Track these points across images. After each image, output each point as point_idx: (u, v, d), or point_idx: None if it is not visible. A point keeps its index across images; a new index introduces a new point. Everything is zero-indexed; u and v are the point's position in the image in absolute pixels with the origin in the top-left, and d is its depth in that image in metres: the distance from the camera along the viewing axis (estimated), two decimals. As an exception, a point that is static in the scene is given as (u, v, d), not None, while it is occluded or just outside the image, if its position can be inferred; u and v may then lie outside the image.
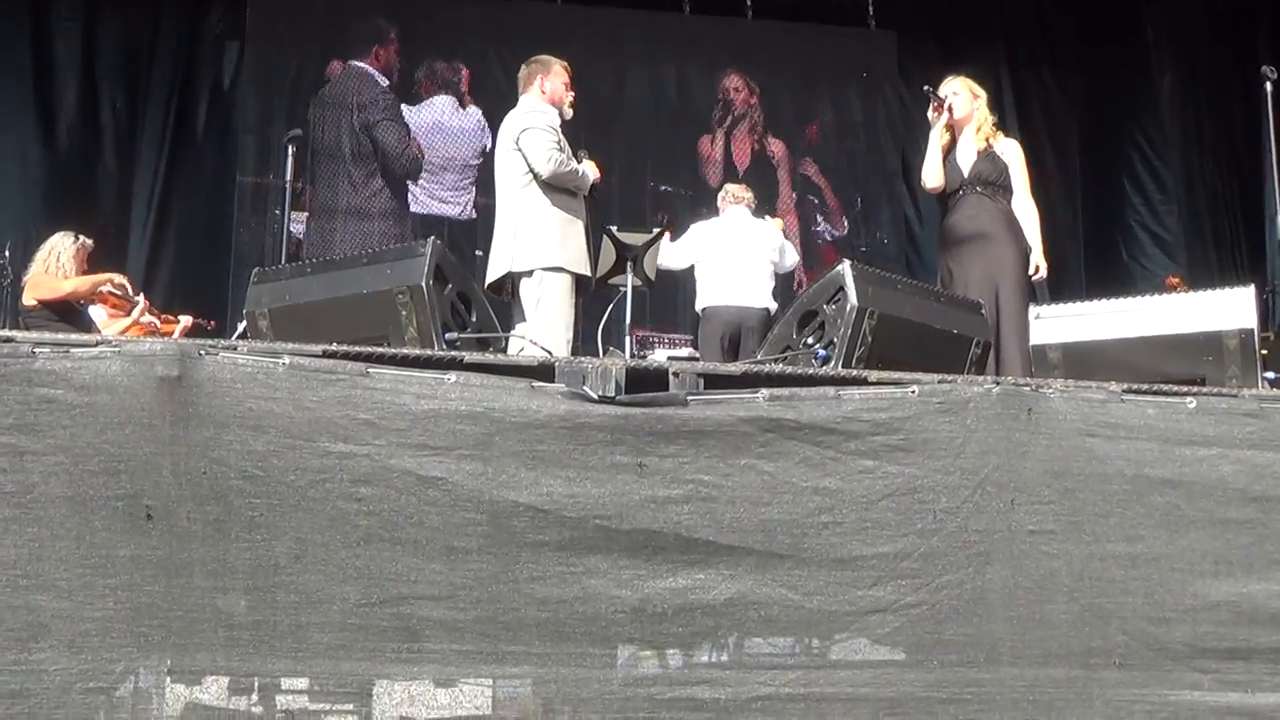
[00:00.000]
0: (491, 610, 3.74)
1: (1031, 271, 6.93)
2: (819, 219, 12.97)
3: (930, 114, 7.35)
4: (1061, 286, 12.77)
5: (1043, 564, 3.91)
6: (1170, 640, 3.94)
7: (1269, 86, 7.20)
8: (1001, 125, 7.76)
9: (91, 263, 8.65)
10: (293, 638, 3.67)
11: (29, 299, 8.21)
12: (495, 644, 3.74)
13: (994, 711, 3.84)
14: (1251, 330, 5.78)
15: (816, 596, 3.83)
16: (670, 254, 8.93)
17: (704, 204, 11.46)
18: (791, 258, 9.47)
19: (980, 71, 12.44)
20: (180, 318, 8.67)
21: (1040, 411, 4.04)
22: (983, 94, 7.33)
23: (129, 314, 8.44)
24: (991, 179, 7.04)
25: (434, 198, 11.41)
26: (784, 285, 10.11)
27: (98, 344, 3.71)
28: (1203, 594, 3.97)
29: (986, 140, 7.15)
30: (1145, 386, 4.19)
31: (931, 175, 7.20)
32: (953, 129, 7.22)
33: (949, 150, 7.20)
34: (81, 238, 8.51)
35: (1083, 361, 5.89)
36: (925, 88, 7.97)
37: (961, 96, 7.25)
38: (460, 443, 3.76)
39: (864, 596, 3.84)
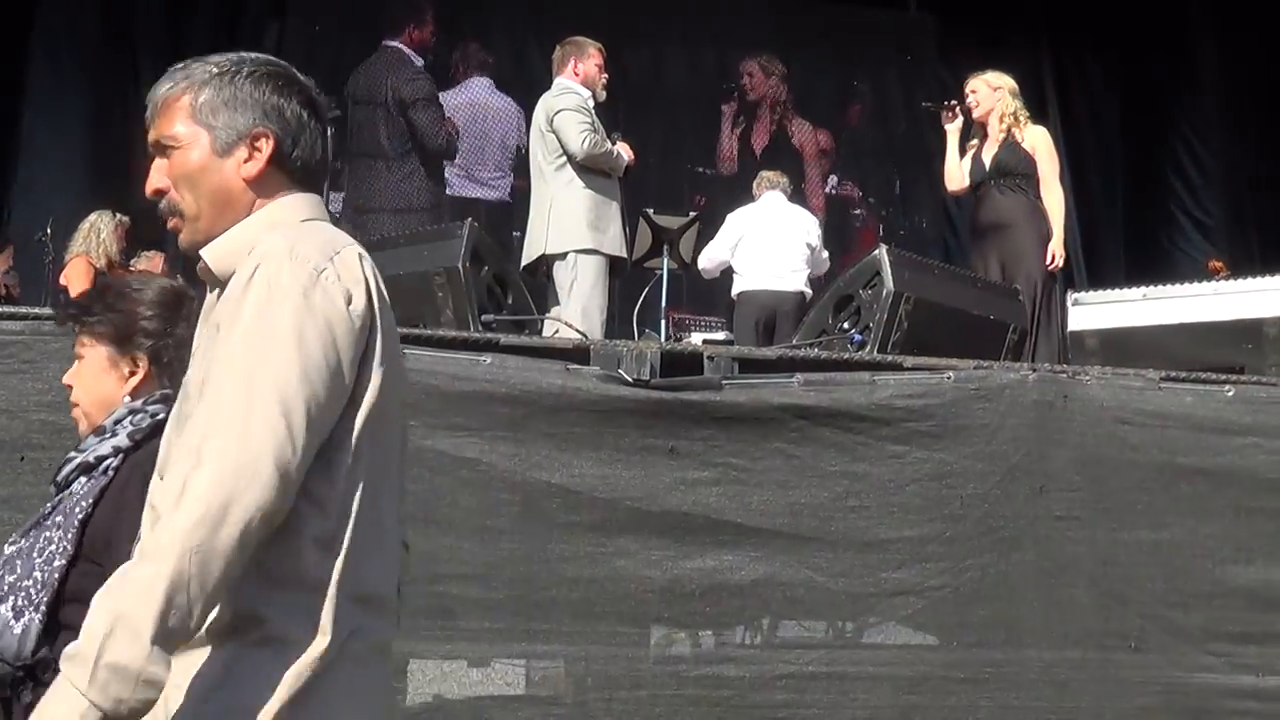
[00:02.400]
0: (524, 589, 3.78)
1: (1048, 260, 6.96)
2: (858, 199, 12.92)
3: (944, 123, 7.43)
4: (1101, 272, 12.70)
5: (1067, 549, 3.95)
6: (1186, 624, 3.99)
7: (1313, 71, 7.14)
8: (1040, 109, 7.73)
9: (130, 241, 8.70)
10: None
11: (63, 280, 8.28)
12: (528, 622, 3.78)
13: (1011, 691, 3.89)
14: (1292, 318, 5.73)
15: (841, 578, 3.87)
16: (714, 251, 8.92)
17: (733, 185, 11.44)
18: (824, 258, 9.33)
19: (1021, 55, 12.39)
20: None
21: (1076, 398, 4.04)
22: (1004, 84, 7.33)
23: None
24: (1013, 168, 7.09)
25: (471, 179, 11.39)
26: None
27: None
28: (1222, 580, 4.00)
29: (1008, 130, 7.18)
30: (1183, 374, 4.18)
31: (951, 179, 7.43)
32: (983, 125, 7.27)
33: (980, 147, 7.26)
34: (119, 215, 8.56)
35: (1121, 348, 5.86)
36: (925, 104, 8.11)
37: (980, 93, 7.31)
38: (495, 424, 3.78)
39: (888, 579, 3.88)
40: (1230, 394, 4.12)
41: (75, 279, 8.22)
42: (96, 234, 8.38)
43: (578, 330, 6.06)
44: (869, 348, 5.19)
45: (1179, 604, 3.98)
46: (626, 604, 3.79)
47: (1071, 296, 6.43)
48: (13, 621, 2.35)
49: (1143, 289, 6.26)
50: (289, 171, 2.20)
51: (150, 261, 8.90)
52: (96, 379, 2.63)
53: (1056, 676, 3.92)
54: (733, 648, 3.87)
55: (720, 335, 9.39)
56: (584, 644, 3.79)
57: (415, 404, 3.74)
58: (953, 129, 7.40)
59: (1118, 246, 13.20)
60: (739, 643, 3.90)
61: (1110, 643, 3.97)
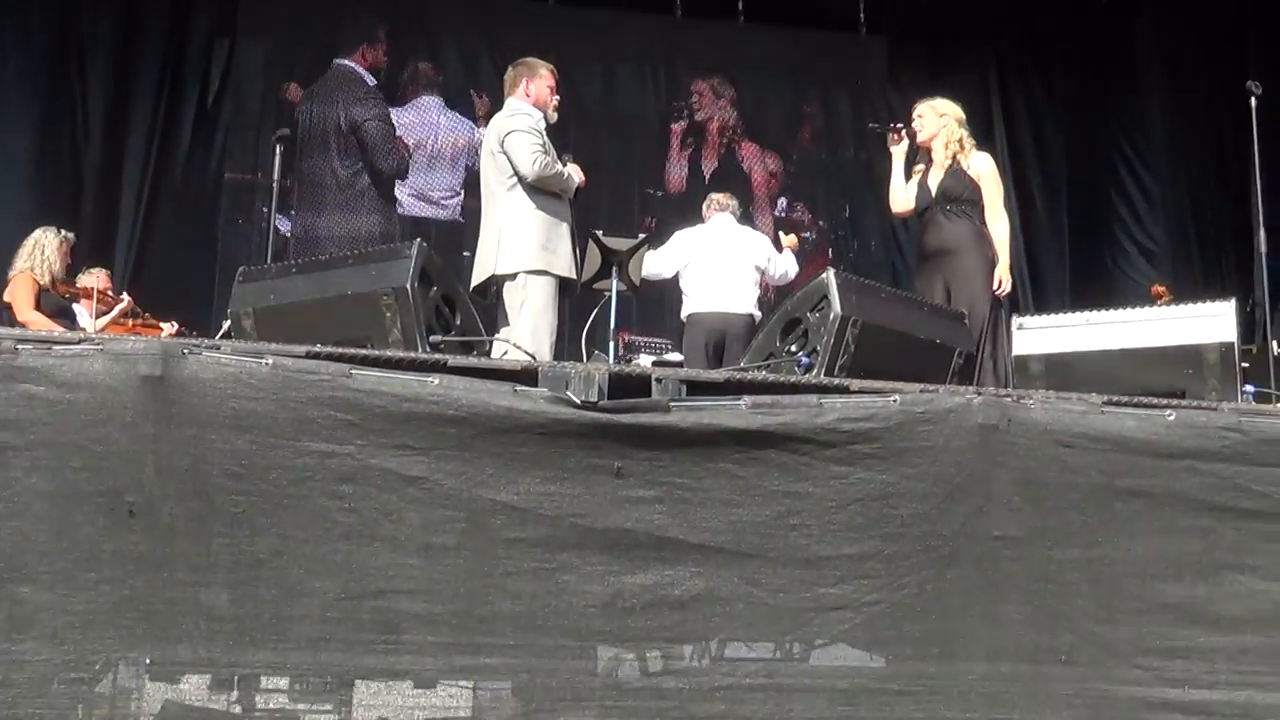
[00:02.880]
0: (468, 604, 3.80)
1: (995, 285, 7.06)
2: (807, 222, 13.00)
3: (889, 145, 7.52)
4: (1046, 295, 12.83)
5: (1003, 567, 4.01)
6: (1115, 639, 4.07)
7: (1254, 101, 7.25)
8: (987, 134, 7.84)
9: (75, 257, 8.66)
10: (273, 630, 3.71)
11: (7, 296, 8.23)
12: (471, 636, 3.80)
13: (944, 703, 3.95)
14: (1232, 344, 5.80)
15: (780, 594, 3.92)
16: (654, 262, 8.95)
17: (681, 204, 11.50)
18: (781, 268, 9.37)
19: (969, 79, 12.52)
20: (164, 325, 8.66)
21: (1019, 422, 4.08)
22: (950, 110, 7.44)
23: (111, 310, 8.44)
24: (958, 195, 7.19)
25: (421, 198, 11.42)
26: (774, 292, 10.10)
27: (80, 341, 3.72)
28: (1151, 597, 4.10)
29: (953, 156, 7.28)
30: (1125, 399, 4.23)
31: (896, 201, 7.58)
32: (929, 150, 7.37)
33: (925, 173, 7.35)
34: (64, 232, 8.52)
35: (1065, 373, 5.91)
36: (871, 125, 8.26)
37: (926, 118, 7.42)
38: (441, 443, 3.79)
39: (826, 594, 3.94)
40: (1171, 418, 4.18)
41: (19, 296, 8.18)
42: (41, 250, 8.34)
43: (526, 352, 6.07)
44: (816, 371, 5.22)
45: (1108, 619, 4.07)
46: (569, 618, 3.83)
47: (1016, 321, 6.49)
48: None
49: (1086, 314, 6.32)
50: None
51: (95, 277, 8.85)
52: None
53: (989, 689, 3.98)
54: (673, 660, 3.91)
55: (672, 356, 9.43)
56: (526, 656, 3.82)
57: (361, 424, 3.75)
58: (898, 151, 7.51)
59: (1063, 270, 13.35)
60: (679, 655, 3.94)
61: (1042, 657, 4.04)
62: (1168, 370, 5.81)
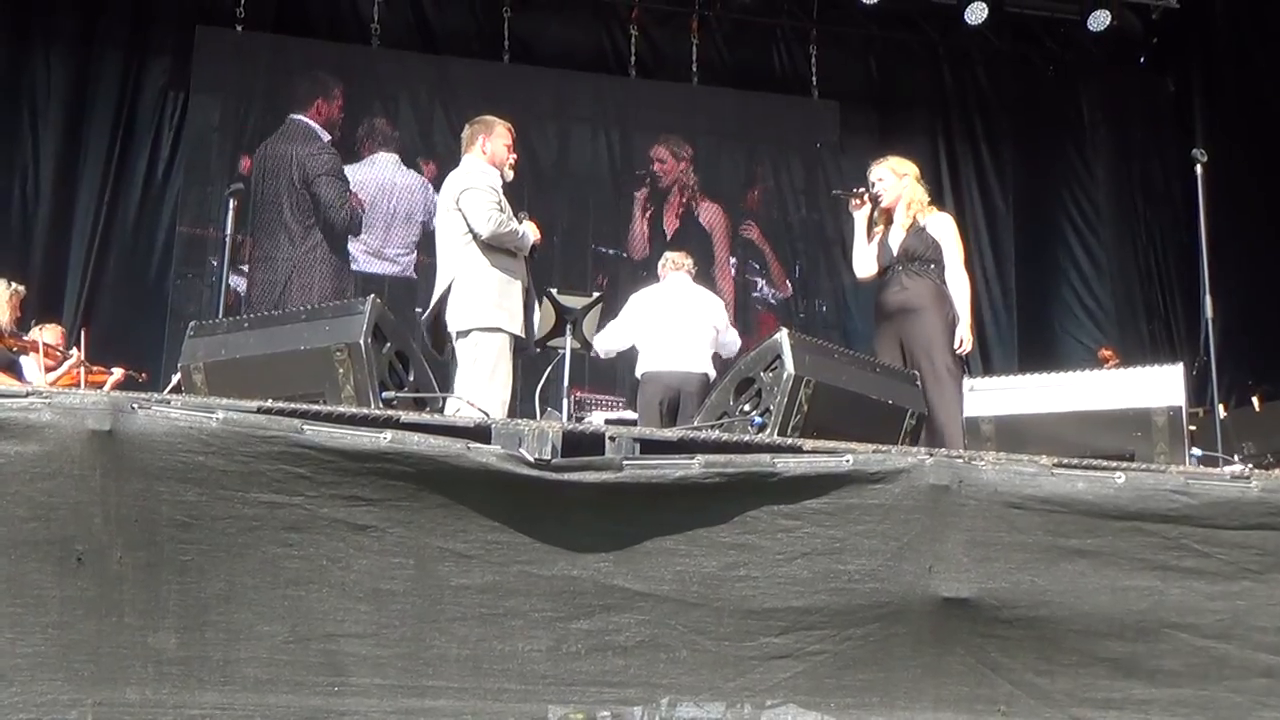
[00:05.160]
0: (414, 647, 3.82)
1: (956, 344, 7.04)
2: (760, 283, 13.08)
3: (852, 209, 7.49)
4: (994, 359, 12.93)
5: (950, 624, 4.03)
6: (1053, 690, 4.12)
7: (1199, 169, 7.34)
8: (937, 197, 7.86)
9: (24, 310, 8.60)
10: (221, 672, 3.70)
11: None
12: (417, 679, 3.81)
13: (886, 751, 3.98)
14: (1180, 408, 5.85)
15: (724, 642, 3.94)
16: (611, 337, 8.97)
17: (645, 269, 11.53)
18: (728, 338, 9.40)
19: (918, 143, 12.67)
20: (112, 370, 8.61)
21: (970, 483, 4.10)
22: (909, 170, 7.43)
23: (60, 365, 8.39)
24: (920, 254, 7.17)
25: (375, 255, 11.42)
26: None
27: (28, 395, 3.70)
28: (1092, 652, 4.13)
29: (914, 216, 7.26)
30: (1076, 461, 4.26)
31: (860, 266, 7.47)
32: (888, 211, 7.36)
33: (886, 233, 7.34)
34: (14, 284, 8.47)
35: (1015, 435, 5.94)
36: (834, 191, 8.20)
37: (887, 181, 7.39)
38: (392, 495, 3.80)
39: (770, 643, 3.96)
40: (1121, 480, 4.21)
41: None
42: (-11, 302, 8.28)
43: (479, 409, 6.06)
44: (769, 430, 5.23)
45: (1048, 671, 4.11)
46: (513, 661, 3.83)
47: (967, 383, 6.51)
48: None
49: (1037, 376, 6.36)
50: None
51: (48, 333, 8.79)
52: None
53: (929, 738, 4.02)
54: (614, 705, 3.92)
55: (626, 414, 9.43)
56: (471, 699, 3.82)
57: (312, 477, 3.75)
58: (860, 216, 7.44)
59: (1011, 333, 13.45)
60: (621, 700, 3.94)
61: (980, 707, 4.07)
62: (1117, 433, 5.85)
